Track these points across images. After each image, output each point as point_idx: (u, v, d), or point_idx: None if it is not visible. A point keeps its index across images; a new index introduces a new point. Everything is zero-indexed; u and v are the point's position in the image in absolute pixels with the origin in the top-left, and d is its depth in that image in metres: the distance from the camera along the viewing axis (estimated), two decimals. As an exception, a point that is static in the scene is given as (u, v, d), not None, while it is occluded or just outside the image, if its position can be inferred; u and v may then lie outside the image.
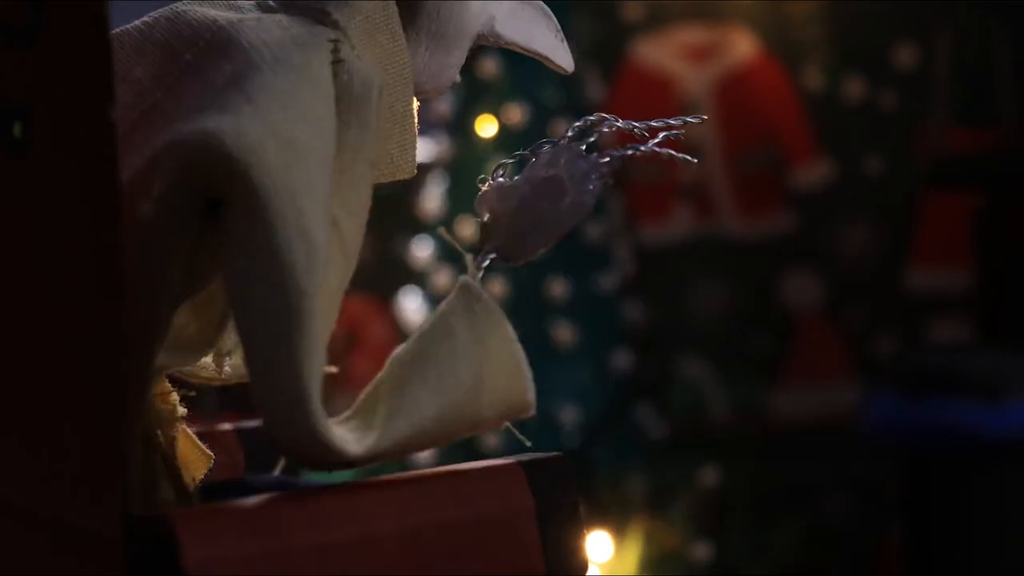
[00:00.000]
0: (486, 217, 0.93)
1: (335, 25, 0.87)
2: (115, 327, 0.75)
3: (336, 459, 0.80)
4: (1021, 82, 3.31)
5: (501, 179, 0.93)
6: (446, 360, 0.84)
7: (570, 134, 0.95)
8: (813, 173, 3.46)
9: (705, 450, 3.11)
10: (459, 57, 0.95)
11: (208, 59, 0.85)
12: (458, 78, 0.97)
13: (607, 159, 0.93)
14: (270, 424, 0.79)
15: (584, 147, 0.95)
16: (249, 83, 0.82)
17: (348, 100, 0.86)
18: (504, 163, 0.94)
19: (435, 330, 0.86)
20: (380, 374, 0.85)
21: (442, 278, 2.95)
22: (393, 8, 0.90)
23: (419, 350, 0.85)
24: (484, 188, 0.93)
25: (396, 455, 0.82)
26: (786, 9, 3.47)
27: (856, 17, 3.44)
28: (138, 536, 0.75)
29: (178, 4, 0.89)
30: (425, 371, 0.84)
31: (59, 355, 0.76)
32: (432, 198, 3.01)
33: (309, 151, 0.82)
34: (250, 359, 0.79)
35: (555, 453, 0.89)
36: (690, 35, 3.49)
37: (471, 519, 0.83)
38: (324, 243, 0.81)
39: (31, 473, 0.76)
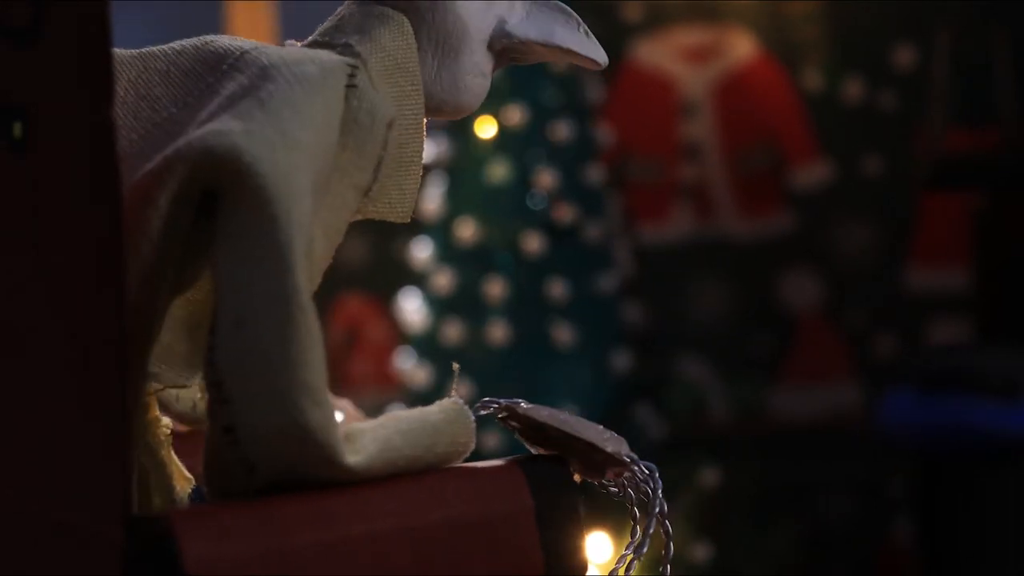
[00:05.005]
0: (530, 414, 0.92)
1: (355, 55, 0.89)
2: (115, 326, 0.75)
3: (328, 456, 0.80)
4: (1021, 82, 3.31)
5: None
6: (415, 421, 0.87)
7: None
8: (813, 173, 3.46)
9: (705, 450, 3.11)
10: (469, 63, 0.94)
11: (228, 79, 0.87)
12: (481, 93, 0.95)
13: (632, 458, 0.92)
14: (266, 422, 0.79)
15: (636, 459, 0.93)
16: (263, 91, 0.84)
17: (351, 124, 0.87)
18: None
19: (414, 411, 0.88)
20: (361, 424, 0.86)
21: (441, 279, 2.95)
22: (415, 53, 0.92)
23: (396, 415, 0.88)
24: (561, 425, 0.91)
25: (375, 475, 0.84)
26: (786, 10, 3.47)
27: (856, 17, 3.45)
28: (138, 536, 0.75)
29: (209, 36, 0.92)
30: (399, 424, 0.86)
31: (59, 355, 0.76)
32: (432, 199, 3.02)
33: (313, 158, 0.83)
34: (245, 354, 0.78)
35: (555, 454, 0.90)
36: (689, 36, 3.49)
37: (471, 519, 0.83)
38: (312, 244, 0.82)
39: (31, 474, 0.76)
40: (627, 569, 0.90)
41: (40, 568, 0.76)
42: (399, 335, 3.08)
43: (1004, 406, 2.77)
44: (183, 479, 0.91)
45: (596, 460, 0.91)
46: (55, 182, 0.76)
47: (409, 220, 0.93)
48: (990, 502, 2.82)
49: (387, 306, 3.27)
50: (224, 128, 0.81)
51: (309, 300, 0.80)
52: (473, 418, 0.88)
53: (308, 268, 0.83)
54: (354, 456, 0.81)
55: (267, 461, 0.80)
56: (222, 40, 0.91)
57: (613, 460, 0.91)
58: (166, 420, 0.91)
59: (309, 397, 0.79)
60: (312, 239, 0.83)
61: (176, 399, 0.98)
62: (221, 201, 0.81)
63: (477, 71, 0.95)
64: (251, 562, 0.76)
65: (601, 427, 0.91)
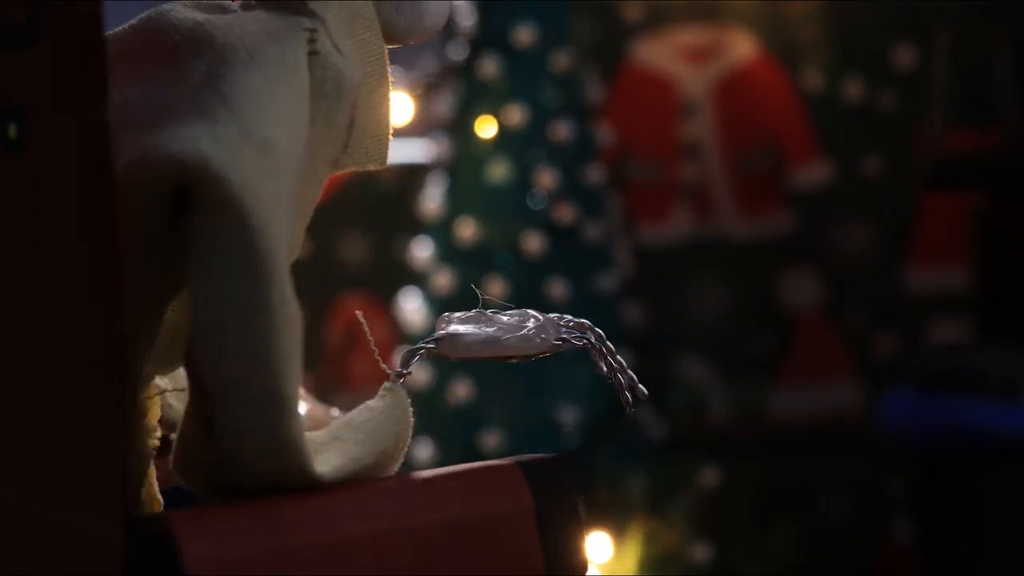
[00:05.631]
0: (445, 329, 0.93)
1: (311, 14, 0.86)
2: (114, 327, 0.75)
3: (301, 466, 0.81)
4: (1021, 82, 3.31)
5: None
6: (369, 428, 0.88)
7: (570, 322, 0.94)
8: (813, 173, 3.46)
9: (705, 450, 3.11)
10: None
11: (181, 55, 0.85)
12: (444, 10, 0.92)
13: (564, 339, 0.93)
14: (241, 427, 0.79)
15: (567, 325, 0.94)
16: (224, 82, 0.82)
17: (317, 97, 0.85)
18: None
19: (360, 411, 0.89)
20: (318, 432, 0.87)
21: (441, 279, 2.95)
22: None
23: (347, 422, 0.88)
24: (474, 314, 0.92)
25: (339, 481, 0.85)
26: (786, 10, 3.47)
27: (856, 17, 3.45)
28: (138, 536, 0.75)
29: (163, 5, 0.89)
30: (354, 433, 0.87)
31: (58, 356, 0.76)
32: (432, 199, 3.02)
33: (285, 156, 0.82)
34: (221, 362, 0.78)
35: (555, 453, 0.89)
36: (690, 36, 3.49)
37: (471, 519, 0.83)
38: (291, 247, 0.82)
39: (31, 474, 0.76)
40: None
41: (40, 568, 0.76)
42: (399, 335, 3.08)
43: (1004, 406, 2.77)
44: (156, 502, 0.90)
45: (532, 355, 0.93)
46: (52, 182, 0.76)
47: (386, 165, 0.92)
48: (990, 502, 2.82)
49: (387, 306, 3.27)
50: (189, 134, 0.80)
51: (295, 309, 0.80)
52: (408, 399, 0.88)
53: (288, 250, 0.82)
54: (322, 467, 0.82)
55: (238, 459, 0.80)
56: (176, 12, 0.88)
57: (552, 350, 0.92)
58: (157, 432, 0.91)
59: (284, 408, 0.79)
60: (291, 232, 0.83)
61: (168, 407, 0.98)
62: (194, 203, 0.79)
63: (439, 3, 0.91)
64: (251, 562, 0.76)
65: (528, 327, 0.91)
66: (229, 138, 0.80)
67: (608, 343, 0.92)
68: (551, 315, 0.93)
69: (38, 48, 0.75)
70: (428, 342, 0.92)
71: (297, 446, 0.80)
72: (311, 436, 0.83)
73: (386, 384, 0.89)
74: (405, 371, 0.90)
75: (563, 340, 0.91)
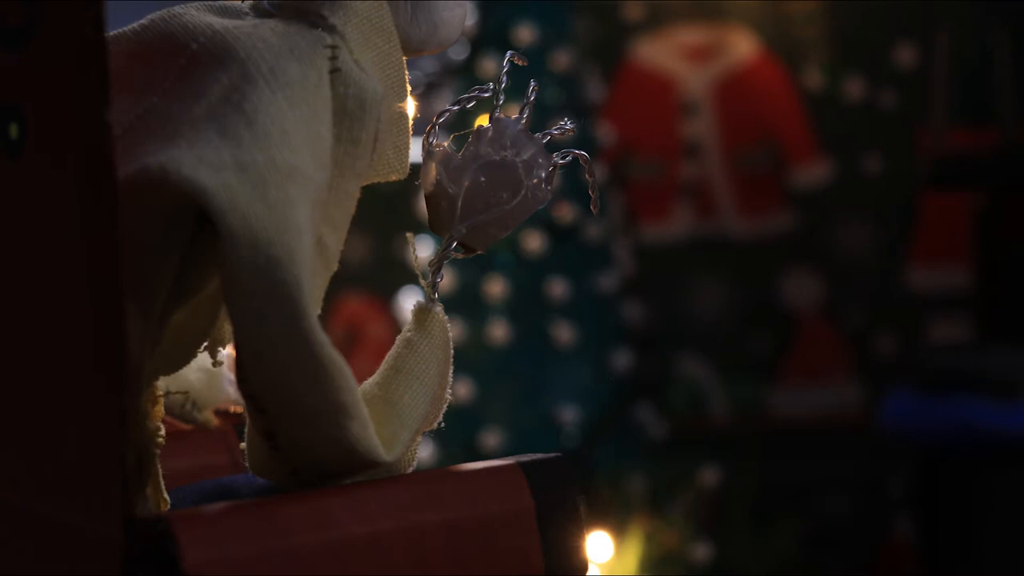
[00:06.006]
0: (432, 189, 0.92)
1: (332, 29, 0.86)
2: (113, 328, 0.75)
3: (371, 462, 0.83)
4: (1021, 82, 3.31)
5: (443, 149, 0.92)
6: (418, 371, 0.89)
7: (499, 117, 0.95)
8: (813, 173, 3.46)
9: (705, 450, 3.11)
10: (447, 4, 0.91)
11: (202, 65, 0.84)
12: (459, 23, 0.92)
13: (555, 163, 0.94)
14: (305, 441, 0.81)
15: (522, 121, 0.95)
16: (247, 100, 0.81)
17: (341, 115, 0.85)
18: (437, 120, 0.93)
19: (403, 350, 0.90)
20: (371, 389, 0.87)
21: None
22: (386, 8, 0.89)
23: (396, 369, 0.89)
24: (427, 159, 0.91)
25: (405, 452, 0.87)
26: (786, 9, 3.47)
27: (856, 17, 3.45)
28: (138, 536, 0.75)
29: (174, 7, 0.88)
30: (408, 384, 0.88)
31: (58, 356, 0.76)
32: (432, 198, 3.01)
33: (309, 181, 0.81)
34: (271, 386, 0.79)
35: (555, 453, 0.89)
36: (690, 35, 3.49)
37: (471, 519, 0.83)
38: (327, 264, 0.83)
39: (31, 473, 0.76)
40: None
41: (40, 568, 0.76)
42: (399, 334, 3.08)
43: (1004, 406, 2.77)
44: (163, 502, 0.90)
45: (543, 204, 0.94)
46: (53, 182, 0.76)
47: (407, 175, 0.92)
48: (990, 502, 2.82)
49: (387, 305, 3.26)
50: (215, 159, 0.79)
51: (322, 332, 0.80)
52: (444, 316, 0.90)
53: (326, 264, 0.84)
54: (392, 452, 0.84)
55: (308, 466, 0.82)
56: (190, 15, 0.87)
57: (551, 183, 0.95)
58: (161, 432, 0.91)
59: (344, 413, 0.80)
60: (320, 237, 0.83)
61: (165, 395, 0.98)
62: (220, 229, 0.79)
63: (452, 12, 0.92)
64: (251, 563, 0.76)
65: (522, 178, 0.93)
66: (255, 167, 0.79)
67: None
68: (513, 122, 0.95)
69: (39, 48, 0.75)
70: (449, 245, 0.92)
71: (363, 444, 0.81)
72: (372, 411, 0.84)
73: (419, 301, 0.90)
74: (438, 279, 0.91)
75: (553, 169, 0.94)
